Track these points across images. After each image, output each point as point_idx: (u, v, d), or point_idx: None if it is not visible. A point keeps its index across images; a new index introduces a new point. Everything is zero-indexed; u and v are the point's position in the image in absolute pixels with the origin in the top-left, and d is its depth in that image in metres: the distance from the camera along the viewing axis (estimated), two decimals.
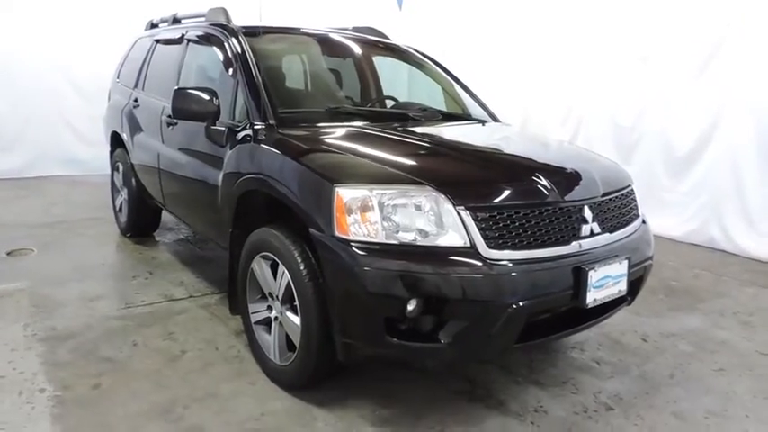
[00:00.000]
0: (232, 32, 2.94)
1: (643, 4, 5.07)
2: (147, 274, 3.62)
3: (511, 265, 1.84)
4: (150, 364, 2.49)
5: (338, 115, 2.67)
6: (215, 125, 2.66)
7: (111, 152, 4.59)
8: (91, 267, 3.71)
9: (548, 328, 2.02)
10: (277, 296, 2.28)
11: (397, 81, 3.78)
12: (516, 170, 2.09)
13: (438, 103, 3.46)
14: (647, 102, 5.12)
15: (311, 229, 1.97)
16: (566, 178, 2.11)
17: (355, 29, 3.78)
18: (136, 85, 4.09)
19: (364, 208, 1.85)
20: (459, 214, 1.84)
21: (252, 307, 2.48)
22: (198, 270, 3.73)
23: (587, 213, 2.07)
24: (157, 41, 3.94)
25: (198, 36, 3.31)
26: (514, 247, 1.88)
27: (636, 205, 2.41)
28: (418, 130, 2.59)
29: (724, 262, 4.35)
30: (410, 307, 1.81)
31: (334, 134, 2.43)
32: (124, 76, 4.47)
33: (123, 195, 4.36)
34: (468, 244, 1.82)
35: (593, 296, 1.98)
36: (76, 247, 4.12)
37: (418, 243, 1.83)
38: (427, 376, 2.47)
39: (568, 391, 2.40)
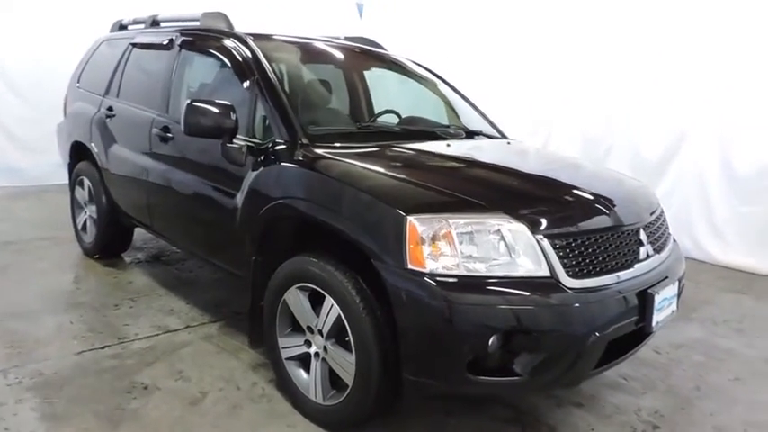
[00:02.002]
0: (242, 40, 2.72)
1: (613, 17, 5.26)
2: (130, 302, 3.29)
3: (590, 293, 1.79)
4: (169, 410, 2.23)
5: (367, 133, 2.53)
6: (232, 142, 2.44)
7: (72, 164, 4.16)
8: (62, 296, 3.32)
9: (613, 352, 1.99)
10: (320, 330, 2.10)
11: (389, 94, 3.66)
12: (581, 195, 2.06)
13: (439, 117, 3.39)
14: (614, 115, 5.32)
15: (375, 261, 1.83)
16: (623, 202, 2.10)
17: (348, 39, 3.64)
18: (107, 92, 3.72)
19: (440, 238, 1.74)
20: (538, 242, 1.77)
21: (283, 341, 2.29)
22: (184, 295, 3.43)
23: (642, 236, 2.07)
24: (134, 45, 3.60)
25: (195, 43, 3.04)
26: (590, 275, 1.84)
27: (668, 224, 2.46)
28: (457, 148, 2.49)
29: (696, 269, 4.57)
30: (491, 341, 1.71)
31: (377, 155, 2.28)
32: (88, 81, 4.07)
33: (89, 213, 3.95)
34: (549, 273, 1.76)
35: (657, 319, 1.98)
36: (38, 271, 3.68)
37: (499, 274, 1.74)
38: (466, 404, 2.38)
39: (611, 412, 2.39)
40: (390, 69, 3.49)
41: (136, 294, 3.41)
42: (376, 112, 3.37)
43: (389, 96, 3.46)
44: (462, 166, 2.22)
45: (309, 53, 3.09)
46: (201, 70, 3.02)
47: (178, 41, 3.11)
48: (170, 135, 2.92)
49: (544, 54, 5.77)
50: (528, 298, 1.72)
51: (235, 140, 2.44)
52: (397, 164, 2.18)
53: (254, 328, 2.42)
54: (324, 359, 2.11)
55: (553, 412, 2.37)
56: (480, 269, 1.74)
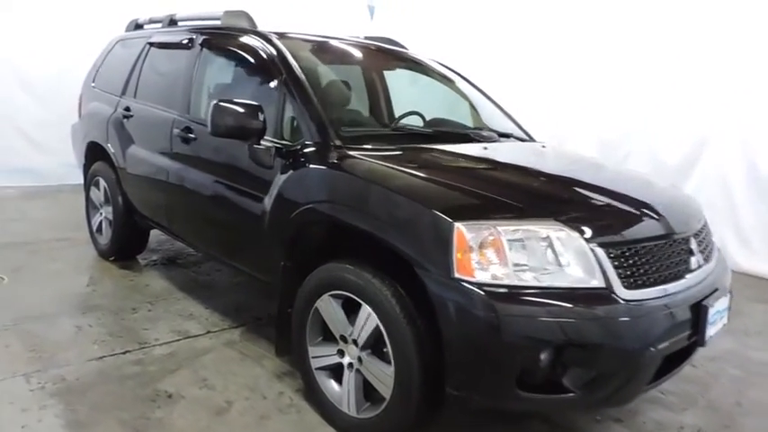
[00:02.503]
0: (267, 39, 2.64)
1: (631, 20, 5.17)
2: (149, 306, 3.21)
3: (646, 305, 1.71)
4: (195, 420, 2.15)
5: (399, 134, 2.45)
6: (259, 144, 2.36)
7: (87, 165, 4.09)
8: (79, 298, 3.24)
9: (664, 367, 1.90)
10: (354, 340, 2.02)
11: (414, 95, 3.58)
12: (631, 202, 1.97)
13: (465, 118, 3.30)
14: (632, 119, 5.22)
15: (418, 270, 1.74)
16: (672, 210, 2.01)
17: (369, 38, 3.56)
18: (124, 93, 3.65)
19: (489, 246, 1.66)
20: (592, 251, 1.68)
21: (313, 351, 2.20)
22: (202, 298, 3.35)
23: (693, 244, 1.99)
24: (152, 45, 3.53)
25: (217, 42, 2.97)
26: (644, 285, 1.75)
27: (711, 233, 2.37)
28: (494, 151, 2.41)
29: None
30: (543, 356, 1.63)
31: (415, 158, 2.20)
32: (103, 81, 4.00)
33: (105, 214, 3.88)
34: (604, 284, 1.67)
35: (710, 332, 1.89)
36: (54, 273, 3.61)
37: (551, 285, 1.65)
38: (498, 417, 2.29)
39: (653, 429, 2.30)
40: (415, 70, 3.41)
41: (153, 298, 3.33)
42: (399, 113, 3.29)
43: (414, 97, 3.38)
44: (504, 170, 2.13)
45: (335, 52, 3.01)
46: (224, 70, 2.95)
47: (199, 41, 3.04)
48: (192, 136, 2.84)
49: (560, 57, 5.67)
50: (583, 310, 1.63)
51: (262, 142, 2.36)
52: (438, 168, 2.10)
53: (282, 336, 2.34)
54: (358, 370, 2.03)
55: (591, 427, 2.28)
56: (531, 279, 1.65)
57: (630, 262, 1.75)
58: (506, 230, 1.67)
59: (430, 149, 2.28)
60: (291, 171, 2.24)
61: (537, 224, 1.70)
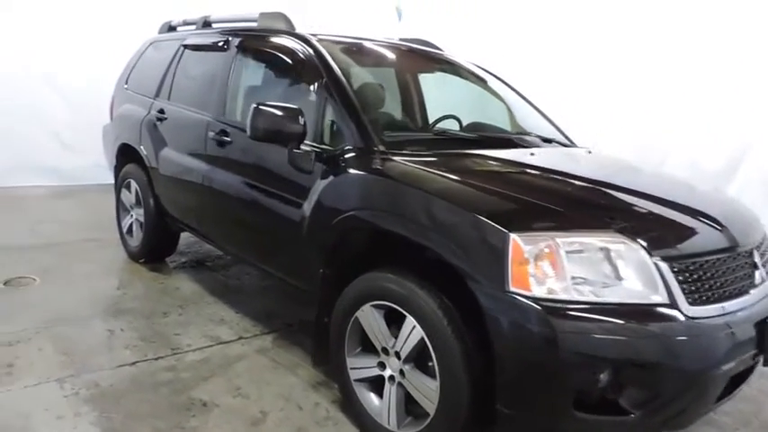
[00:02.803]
0: (306, 41, 2.59)
1: (668, 25, 5.03)
2: (179, 310, 3.18)
3: (711, 322, 1.61)
4: (231, 430, 2.10)
5: (442, 139, 2.37)
6: (299, 148, 2.31)
7: (118, 167, 4.09)
8: (110, 301, 3.23)
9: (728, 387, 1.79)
10: (397, 352, 1.95)
11: (452, 98, 3.50)
12: (692, 213, 1.87)
13: (504, 123, 3.22)
14: (669, 123, 5.06)
15: (470, 282, 1.67)
16: (734, 221, 1.91)
17: (403, 40, 3.50)
18: (157, 95, 3.64)
19: (546, 258, 1.57)
20: (656, 265, 1.59)
21: (351, 362, 2.14)
22: (233, 303, 3.31)
23: (757, 258, 1.88)
24: (186, 47, 3.51)
25: (253, 44, 2.93)
26: (709, 301, 1.65)
27: None
28: (542, 158, 2.32)
29: None
30: (602, 375, 1.54)
31: (462, 164, 2.13)
32: (136, 83, 4.00)
33: (136, 216, 3.87)
34: (668, 300, 1.58)
35: None
36: (84, 275, 3.60)
37: (612, 300, 1.56)
38: None
39: None
40: (451, 72, 3.33)
41: (184, 302, 3.31)
42: (434, 117, 3.21)
43: (450, 100, 3.30)
44: (556, 177, 2.04)
45: (373, 54, 2.95)
46: (261, 72, 2.92)
47: (235, 43, 3.01)
48: (227, 139, 2.80)
49: (593, 60, 5.54)
50: (646, 327, 1.54)
51: (302, 146, 2.31)
52: (487, 175, 2.02)
53: (319, 346, 2.28)
54: (400, 384, 1.96)
55: None
56: (590, 293, 1.56)
57: (695, 277, 1.65)
58: (564, 242, 1.58)
59: (475, 155, 2.20)
60: (332, 177, 2.18)
61: (596, 236, 1.62)
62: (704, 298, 1.65)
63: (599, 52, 5.40)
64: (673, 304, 1.58)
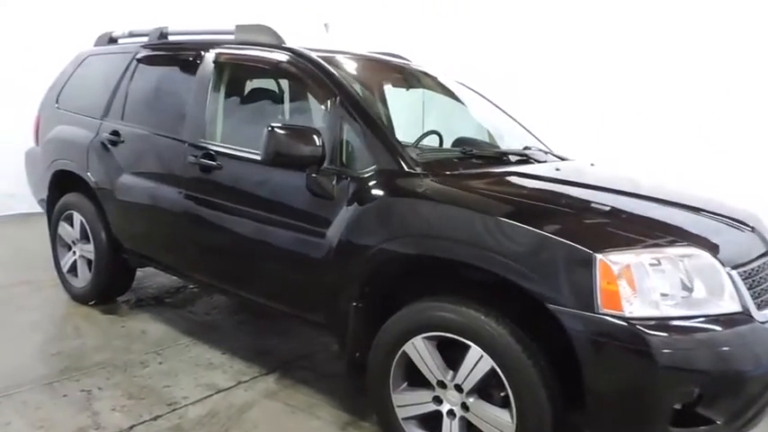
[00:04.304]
0: (307, 57, 2.41)
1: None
2: (157, 357, 2.82)
3: None
4: None
5: (467, 158, 2.29)
6: (319, 172, 2.13)
7: (52, 197, 3.59)
8: (72, 355, 2.78)
9: None
10: (457, 385, 1.84)
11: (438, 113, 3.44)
12: (734, 222, 1.94)
13: (485, 137, 3.21)
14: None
15: (552, 306, 1.61)
16: (761, 226, 2.02)
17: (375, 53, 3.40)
18: (105, 114, 3.23)
19: (635, 276, 1.55)
20: (729, 275, 1.63)
21: (398, 399, 2.00)
22: (213, 343, 3.00)
23: None
24: (141, 61, 3.15)
25: (237, 59, 2.68)
26: (766, 305, 1.72)
27: None
28: (572, 173, 2.30)
29: None
30: (697, 388, 1.55)
31: (507, 183, 2.07)
32: (72, 102, 3.54)
33: (81, 253, 3.40)
34: (741, 308, 1.62)
35: None
36: (28, 326, 3.10)
37: (698, 313, 1.57)
38: None
39: None
40: (433, 87, 3.27)
41: (158, 346, 2.94)
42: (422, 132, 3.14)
43: (439, 116, 3.25)
44: (604, 193, 2.03)
45: (371, 70, 2.81)
46: (252, 91, 2.67)
47: (210, 57, 2.73)
48: (215, 164, 2.53)
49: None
50: (731, 336, 1.57)
51: (321, 170, 2.13)
52: (540, 193, 1.97)
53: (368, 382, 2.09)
54: (462, 417, 1.85)
55: None
56: (679, 307, 1.57)
57: (755, 282, 1.72)
58: (649, 258, 1.58)
59: (510, 173, 2.15)
60: (363, 202, 2.03)
61: (676, 249, 1.63)
62: (764, 302, 1.72)
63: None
64: (746, 311, 1.63)
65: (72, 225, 3.44)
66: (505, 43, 5.66)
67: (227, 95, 2.67)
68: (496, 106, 3.32)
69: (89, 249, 3.34)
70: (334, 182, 2.12)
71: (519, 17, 5.63)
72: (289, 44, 2.61)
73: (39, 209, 3.95)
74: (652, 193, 2.08)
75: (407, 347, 1.93)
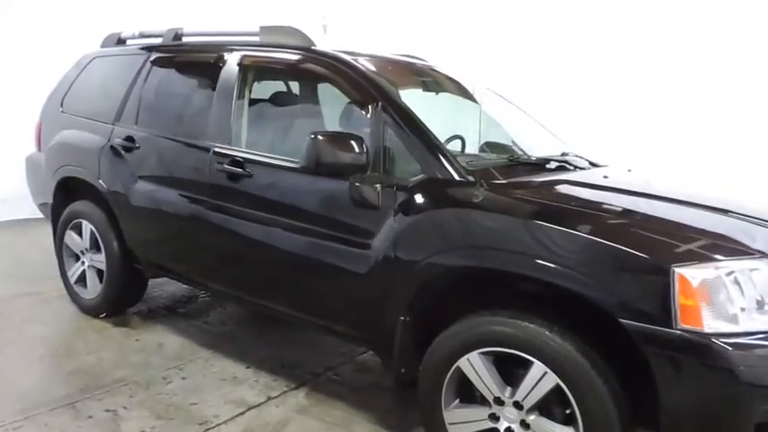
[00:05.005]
0: (343, 61, 2.32)
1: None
2: (178, 372, 2.71)
3: None
4: None
5: (513, 165, 2.23)
6: (363, 181, 2.04)
7: (58, 205, 3.44)
8: (89, 372, 2.65)
9: None
10: (516, 402, 1.78)
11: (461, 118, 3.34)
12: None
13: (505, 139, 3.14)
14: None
15: (625, 321, 1.55)
16: None
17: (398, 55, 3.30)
18: (117, 119, 3.10)
19: (714, 290, 1.51)
20: None
21: (451, 416, 1.93)
22: (235, 355, 2.89)
23: None
24: (155, 63, 3.03)
25: (267, 63, 2.58)
26: None
27: None
28: (620, 180, 2.26)
29: None
30: None
31: (566, 192, 2.01)
32: (78, 106, 3.40)
33: (90, 263, 3.27)
34: None
35: None
36: (39, 341, 2.95)
37: None
38: None
39: None
40: (456, 91, 3.20)
41: (178, 360, 2.82)
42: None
43: (459, 119, 3.17)
44: (661, 203, 1.96)
45: (402, 74, 2.73)
46: (284, 95, 2.57)
47: (236, 60, 2.63)
48: (245, 172, 2.42)
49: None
50: None
51: (365, 179, 2.05)
52: (601, 203, 1.90)
53: (403, 404, 2.04)
54: None
55: None
56: (756, 322, 1.52)
57: None
58: (726, 272, 1.53)
59: (564, 181, 2.09)
60: (414, 213, 1.95)
61: (749, 262, 1.58)
62: None
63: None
64: None
65: (80, 234, 3.30)
66: (508, 41, 5.59)
67: (255, 101, 2.57)
68: (521, 110, 3.26)
69: (100, 259, 3.20)
70: (378, 191, 2.04)
71: (522, 14, 5.56)
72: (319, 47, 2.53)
73: (37, 215, 3.81)
74: (702, 200, 2.04)
75: (462, 363, 1.86)
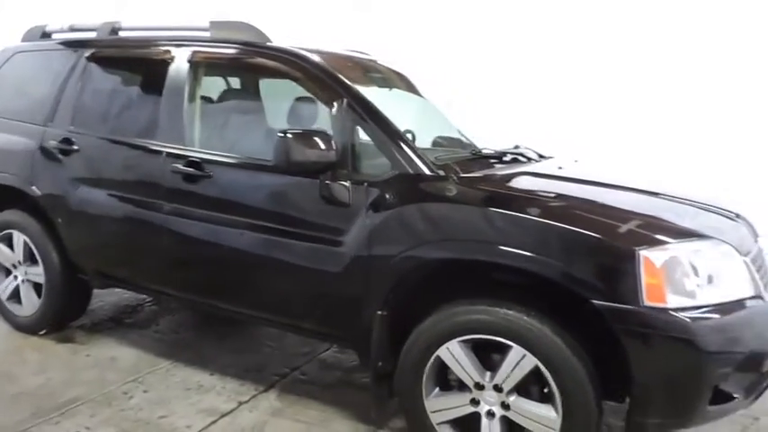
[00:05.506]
0: (302, 57, 2.29)
1: None
2: (139, 385, 2.59)
3: None
4: None
5: (475, 159, 2.30)
6: (335, 179, 2.04)
7: None
8: (41, 395, 2.47)
9: None
10: (496, 385, 1.87)
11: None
12: (729, 212, 2.11)
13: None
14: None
15: (597, 302, 1.67)
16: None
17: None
18: (50, 120, 2.88)
19: (675, 269, 1.65)
20: (745, 263, 1.78)
21: (432, 404, 1.99)
22: (195, 363, 2.80)
23: None
24: (91, 59, 2.83)
25: (221, 60, 2.48)
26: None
27: None
28: (576, 171, 2.38)
29: None
30: (730, 368, 1.69)
31: (531, 184, 2.10)
32: (5, 106, 3.12)
33: (24, 277, 3.03)
34: (756, 292, 1.78)
35: None
36: None
37: (729, 299, 1.70)
38: None
39: None
40: (402, 86, 3.23)
41: (136, 374, 2.69)
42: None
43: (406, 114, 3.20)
44: (618, 191, 2.09)
45: (361, 71, 2.71)
46: (242, 94, 2.49)
47: (186, 56, 2.51)
48: (203, 173, 2.34)
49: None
50: (757, 318, 1.73)
51: (335, 176, 2.05)
52: (567, 193, 1.99)
53: (380, 397, 2.07)
54: (503, 416, 1.88)
55: None
56: (713, 296, 1.68)
57: (757, 270, 1.88)
58: (687, 252, 1.68)
59: (527, 173, 2.18)
60: (388, 209, 1.98)
61: (704, 243, 1.75)
62: (765, 285, 1.89)
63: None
64: (759, 295, 1.79)
65: (11, 247, 3.05)
66: (440, 33, 5.41)
67: (209, 99, 2.48)
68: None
69: (37, 272, 2.98)
70: (349, 187, 2.05)
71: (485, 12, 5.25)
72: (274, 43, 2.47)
73: None
74: (653, 188, 2.20)
75: (441, 352, 1.92)
